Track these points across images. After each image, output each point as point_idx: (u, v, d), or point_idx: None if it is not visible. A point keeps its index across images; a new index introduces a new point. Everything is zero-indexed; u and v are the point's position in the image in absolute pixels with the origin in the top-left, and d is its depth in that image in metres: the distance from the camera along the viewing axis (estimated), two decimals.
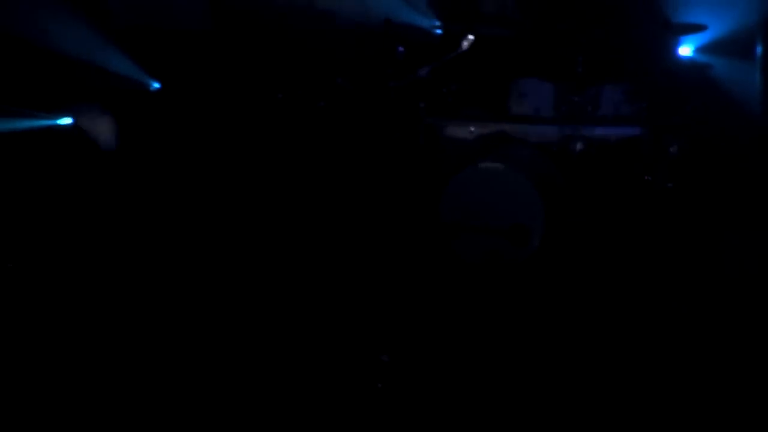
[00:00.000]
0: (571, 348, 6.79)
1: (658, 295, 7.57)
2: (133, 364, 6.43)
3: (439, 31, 9.41)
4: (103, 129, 8.46)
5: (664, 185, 8.81)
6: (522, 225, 8.21)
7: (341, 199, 9.11)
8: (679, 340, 6.79)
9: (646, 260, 8.19)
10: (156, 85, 9.51)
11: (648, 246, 8.41)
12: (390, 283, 7.80)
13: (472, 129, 9.09)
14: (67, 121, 8.41)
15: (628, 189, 8.95)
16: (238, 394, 6.11)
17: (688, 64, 9.31)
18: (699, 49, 9.37)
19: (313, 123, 9.46)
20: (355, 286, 7.69)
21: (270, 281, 7.77)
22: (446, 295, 7.66)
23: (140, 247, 8.28)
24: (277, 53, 9.74)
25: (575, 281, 7.96)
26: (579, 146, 8.93)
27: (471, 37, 8.84)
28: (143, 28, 9.68)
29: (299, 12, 9.77)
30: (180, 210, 8.93)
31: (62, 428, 5.78)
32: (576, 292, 7.73)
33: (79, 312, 7.14)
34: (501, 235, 8.22)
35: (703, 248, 8.16)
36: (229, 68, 9.70)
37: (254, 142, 9.48)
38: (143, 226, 8.60)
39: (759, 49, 9.44)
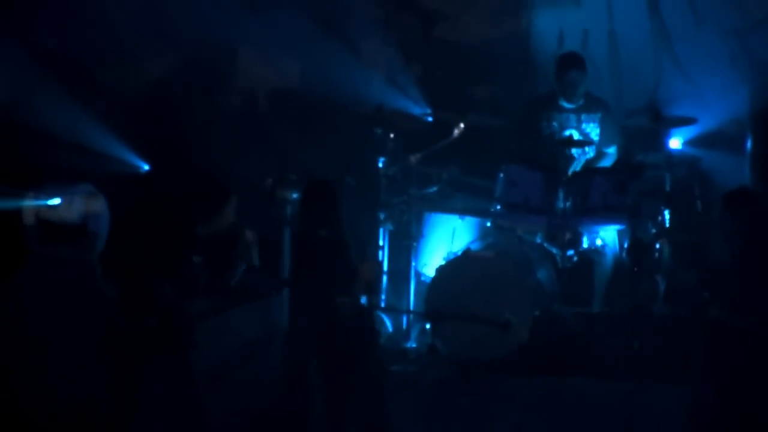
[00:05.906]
0: None
1: None
2: None
3: (430, 119, 9.41)
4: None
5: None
6: (511, 315, 8.10)
7: None
8: None
9: None
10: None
11: None
12: None
13: None
14: (55, 201, 8.26)
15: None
16: None
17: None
18: (689, 142, 9.38)
19: None
20: None
21: None
22: None
23: None
24: None
25: None
26: (568, 236, 8.87)
27: (462, 125, 8.88)
28: None
29: None
30: None
31: None
32: None
33: None
34: (489, 324, 8.07)
35: None
36: None
37: None
38: None
39: (749, 143, 9.48)
